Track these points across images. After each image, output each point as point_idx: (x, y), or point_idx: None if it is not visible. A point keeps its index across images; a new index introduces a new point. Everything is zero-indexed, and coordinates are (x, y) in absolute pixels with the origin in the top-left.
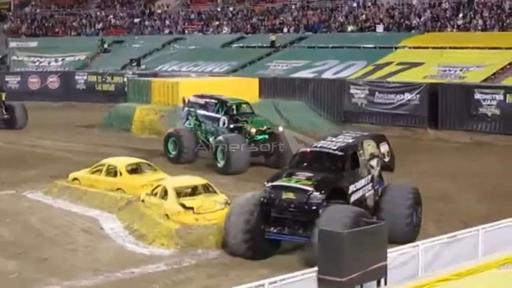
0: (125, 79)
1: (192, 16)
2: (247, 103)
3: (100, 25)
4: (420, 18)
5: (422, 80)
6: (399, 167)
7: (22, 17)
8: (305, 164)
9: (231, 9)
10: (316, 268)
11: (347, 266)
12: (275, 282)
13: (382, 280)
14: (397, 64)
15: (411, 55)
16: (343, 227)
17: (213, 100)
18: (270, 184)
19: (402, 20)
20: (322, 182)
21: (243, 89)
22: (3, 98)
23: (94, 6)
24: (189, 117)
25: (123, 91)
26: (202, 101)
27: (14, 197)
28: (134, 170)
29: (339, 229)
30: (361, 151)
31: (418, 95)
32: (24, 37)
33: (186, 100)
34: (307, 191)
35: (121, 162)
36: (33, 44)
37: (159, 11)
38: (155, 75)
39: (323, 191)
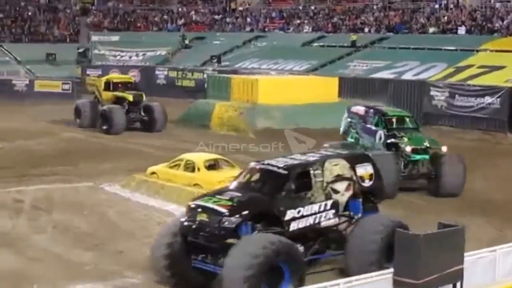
0: (205, 76)
1: (273, 14)
2: (411, 116)
3: (181, 21)
4: (503, 21)
5: (503, 84)
6: (475, 170)
7: (105, 12)
8: (249, 181)
9: (312, 8)
10: (392, 270)
11: (423, 269)
12: (350, 282)
13: (458, 284)
14: (478, 67)
15: (492, 58)
16: (245, 269)
17: (371, 111)
18: (190, 203)
19: (484, 23)
20: (243, 203)
21: (323, 88)
22: (143, 98)
23: (176, 2)
24: (351, 129)
25: (202, 87)
26: (361, 111)
27: (91, 189)
28: (212, 166)
29: (242, 274)
30: (317, 171)
31: (498, 99)
32: (106, 31)
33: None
34: (221, 213)
35: (199, 157)
36: (115, 38)
37: (240, 8)
38: (235, 72)
39: (239, 215)
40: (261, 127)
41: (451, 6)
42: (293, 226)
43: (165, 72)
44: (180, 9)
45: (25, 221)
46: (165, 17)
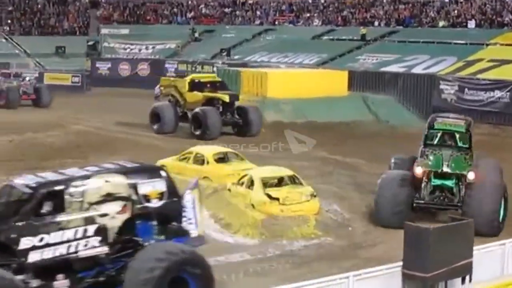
0: (215, 69)
1: (283, 8)
2: (464, 132)
3: (191, 14)
4: None
5: None
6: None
7: (114, 4)
8: None
9: (322, 1)
10: (400, 263)
11: (432, 262)
12: (359, 275)
13: (467, 277)
14: (488, 61)
15: (502, 52)
16: None
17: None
18: None
19: (494, 17)
20: None
21: (332, 82)
22: (239, 99)
23: None
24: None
25: None
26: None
27: None
28: (221, 159)
29: None
30: (75, 190)
31: (508, 93)
32: (115, 24)
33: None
34: None
35: (209, 150)
36: (125, 31)
37: (250, 1)
38: (244, 65)
39: None
40: (271, 120)
41: (461, 0)
42: (33, 257)
43: (175, 65)
44: (189, 2)
45: None
46: (175, 10)
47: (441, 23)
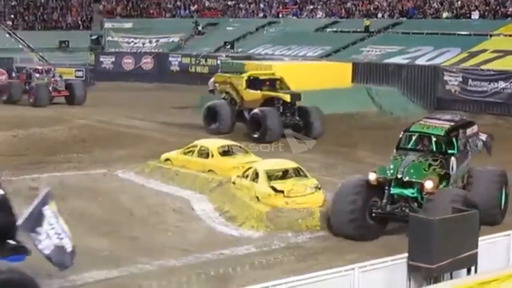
0: (219, 62)
1: (287, 0)
2: (442, 135)
3: (194, 7)
4: None
5: None
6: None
7: None
8: None
9: None
10: (406, 254)
11: (437, 253)
12: (365, 266)
13: (473, 268)
14: (492, 52)
15: (506, 43)
16: None
17: None
18: None
19: (498, 7)
20: None
21: (336, 74)
22: (301, 98)
23: None
24: None
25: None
26: None
27: (105, 176)
28: (226, 152)
29: None
30: None
31: None
32: (119, 18)
33: None
34: None
35: (213, 144)
36: (128, 25)
37: None
38: (248, 58)
39: None
40: None
41: None
42: None
43: (179, 59)
44: None
45: None
46: (178, 3)
47: (444, 14)
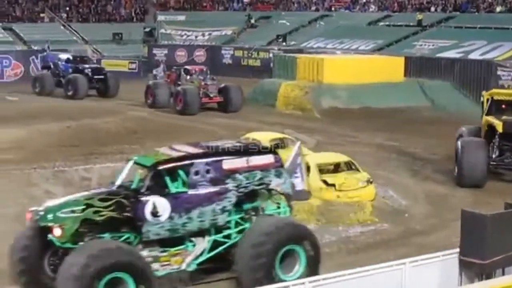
0: (271, 55)
1: None
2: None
3: (247, 0)
4: None
5: None
6: None
7: None
8: None
9: None
10: (457, 250)
11: (490, 249)
12: (416, 261)
13: None
14: None
15: None
16: None
17: None
18: None
19: None
20: None
21: (389, 68)
22: None
23: None
24: None
25: (268, 66)
26: None
27: None
28: (278, 145)
29: None
30: None
31: None
32: (172, 11)
33: None
34: None
35: (265, 136)
36: (181, 17)
37: None
38: (300, 51)
39: None
40: (327, 106)
41: None
42: None
43: (231, 52)
44: None
45: None
46: None
47: (498, 8)
